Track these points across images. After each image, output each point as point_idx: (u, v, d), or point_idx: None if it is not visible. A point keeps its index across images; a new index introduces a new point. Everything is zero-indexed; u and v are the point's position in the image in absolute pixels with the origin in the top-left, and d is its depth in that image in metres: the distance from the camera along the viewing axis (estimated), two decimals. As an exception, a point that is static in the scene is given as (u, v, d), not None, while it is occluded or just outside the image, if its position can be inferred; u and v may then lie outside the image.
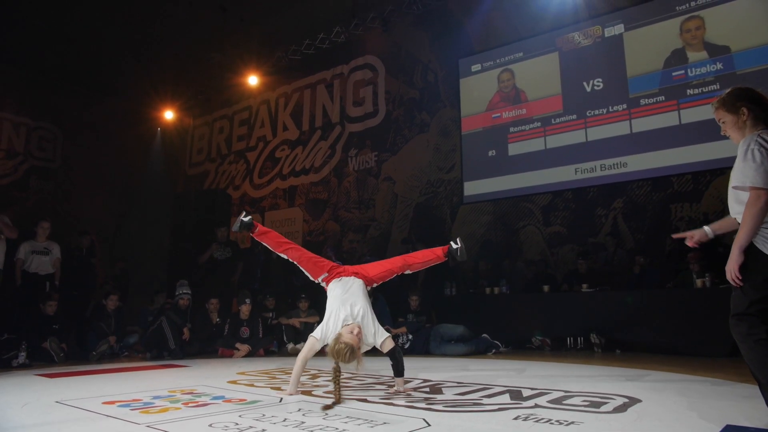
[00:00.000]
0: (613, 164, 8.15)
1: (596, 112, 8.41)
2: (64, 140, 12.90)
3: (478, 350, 6.24)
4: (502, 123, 9.35)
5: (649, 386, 3.66)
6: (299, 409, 3.05)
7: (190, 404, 3.25)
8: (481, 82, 9.71)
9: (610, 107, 8.31)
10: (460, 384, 3.94)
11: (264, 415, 2.91)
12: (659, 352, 5.82)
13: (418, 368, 5.07)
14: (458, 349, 6.20)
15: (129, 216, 13.05)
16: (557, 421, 2.67)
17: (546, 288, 6.89)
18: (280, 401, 3.34)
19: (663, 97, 7.87)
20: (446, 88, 10.23)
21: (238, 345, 6.42)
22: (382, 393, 3.62)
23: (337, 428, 2.58)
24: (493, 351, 6.26)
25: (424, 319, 6.94)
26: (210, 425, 2.67)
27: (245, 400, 3.39)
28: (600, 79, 8.47)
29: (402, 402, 3.25)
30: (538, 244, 9.01)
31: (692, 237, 2.85)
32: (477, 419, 2.79)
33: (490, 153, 9.36)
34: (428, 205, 10.15)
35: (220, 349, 6.46)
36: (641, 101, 8.04)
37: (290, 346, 6.58)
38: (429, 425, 2.63)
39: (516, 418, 2.75)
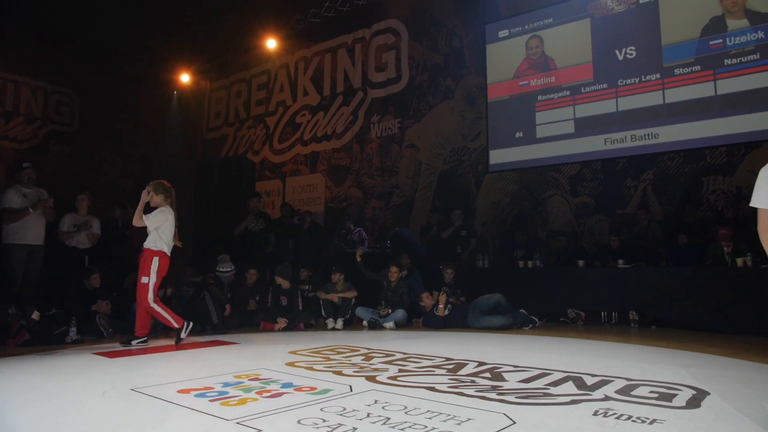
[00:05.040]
0: (644, 135, 8.09)
1: (628, 81, 8.31)
2: (81, 104, 12.82)
3: (516, 324, 6.33)
4: (530, 91, 9.25)
5: (707, 374, 3.71)
6: (375, 401, 3.11)
7: (264, 394, 3.31)
8: (509, 49, 9.56)
9: (642, 77, 8.20)
10: (517, 368, 4.01)
11: (344, 408, 2.96)
12: (695, 329, 5.91)
13: (465, 346, 5.14)
14: (497, 322, 6.28)
15: (148, 182, 13.03)
16: (638, 418, 2.72)
17: (581, 263, 6.93)
18: (350, 390, 3.41)
19: (699, 67, 7.76)
20: (472, 54, 10.08)
21: (278, 319, 6.55)
22: (445, 379, 3.68)
23: (425, 426, 2.64)
24: (531, 326, 6.35)
25: (459, 291, 7.01)
26: (299, 421, 2.73)
27: (316, 388, 3.45)
28: (633, 48, 8.33)
29: (472, 392, 3.30)
30: (565, 214, 9.03)
31: None
32: (557, 415, 2.83)
33: (516, 121, 9.28)
34: (453, 174, 10.13)
35: (262, 323, 6.58)
36: (675, 71, 7.92)
37: (330, 322, 6.69)
38: (514, 422, 2.69)
39: (596, 414, 2.80)
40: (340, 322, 6.69)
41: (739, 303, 5.61)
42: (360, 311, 6.89)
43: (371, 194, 11.05)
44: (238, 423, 2.73)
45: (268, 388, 3.48)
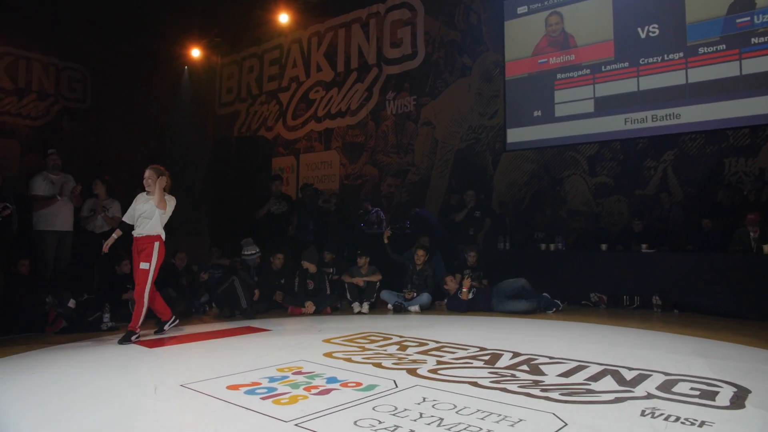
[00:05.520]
0: (666, 115, 8.03)
1: (650, 60, 8.22)
2: (92, 80, 12.74)
3: (540, 308, 6.40)
4: (549, 69, 9.15)
5: (744, 369, 3.77)
6: (424, 399, 3.18)
7: (312, 390, 3.39)
8: (527, 25, 9.43)
9: (665, 55, 8.10)
10: (553, 360, 4.08)
11: (396, 408, 3.03)
12: (719, 314, 5.96)
13: (494, 333, 5.21)
14: (521, 306, 6.36)
15: (161, 158, 13.03)
16: (686, 419, 2.78)
17: (604, 247, 6.97)
18: (396, 385, 3.48)
19: (724, 46, 7.65)
20: (490, 31, 9.95)
21: (306, 303, 6.65)
22: (485, 372, 3.76)
23: (480, 428, 2.71)
24: (554, 310, 6.42)
25: (481, 274, 7.07)
26: (356, 423, 2.80)
27: (361, 384, 3.52)
28: (656, 25, 8.21)
29: (515, 387, 3.37)
30: (583, 194, 9.03)
31: None
32: (605, 415, 2.89)
33: (535, 100, 9.21)
34: (470, 152, 10.10)
35: (290, 307, 6.67)
36: (700, 50, 7.82)
37: (356, 306, 6.78)
38: (566, 424, 2.76)
39: (643, 414, 2.87)
40: (365, 306, 6.77)
41: (764, 290, 5.66)
42: (385, 294, 6.97)
43: (386, 172, 11.04)
44: (296, 425, 2.81)
45: (314, 383, 3.56)
